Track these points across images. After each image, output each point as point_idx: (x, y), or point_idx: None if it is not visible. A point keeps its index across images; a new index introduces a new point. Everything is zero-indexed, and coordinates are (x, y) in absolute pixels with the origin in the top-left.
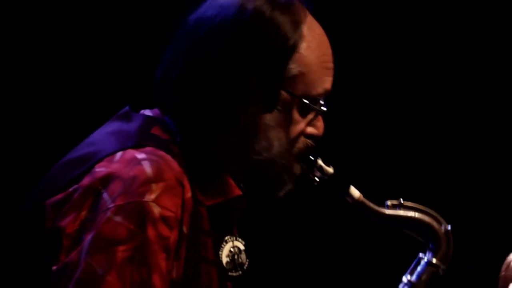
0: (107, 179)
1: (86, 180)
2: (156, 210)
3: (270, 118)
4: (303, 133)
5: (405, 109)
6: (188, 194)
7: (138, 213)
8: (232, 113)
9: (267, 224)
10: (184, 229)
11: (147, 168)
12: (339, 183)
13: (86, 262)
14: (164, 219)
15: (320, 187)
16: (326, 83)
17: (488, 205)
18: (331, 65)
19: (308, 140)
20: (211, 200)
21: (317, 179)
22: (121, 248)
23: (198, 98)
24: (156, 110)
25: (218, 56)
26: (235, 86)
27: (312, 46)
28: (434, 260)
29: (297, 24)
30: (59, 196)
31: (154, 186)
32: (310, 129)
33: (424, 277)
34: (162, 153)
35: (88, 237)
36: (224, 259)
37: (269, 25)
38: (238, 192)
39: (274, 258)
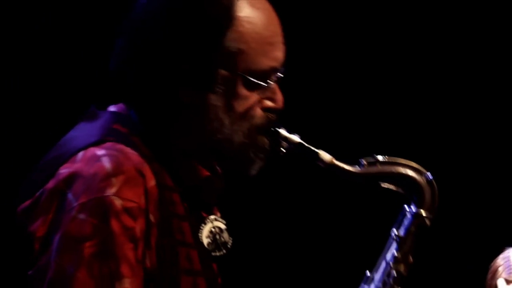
0: (70, 179)
1: (50, 183)
2: (118, 202)
3: (215, 98)
4: (260, 108)
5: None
6: (151, 183)
7: (100, 208)
8: (175, 97)
9: (248, 201)
10: (151, 217)
11: (106, 163)
12: (307, 150)
13: (55, 262)
14: (127, 210)
15: (289, 157)
16: (270, 58)
17: (488, 205)
18: (276, 39)
19: (268, 114)
20: (182, 185)
21: (284, 150)
22: (88, 244)
23: (142, 85)
24: (121, 105)
25: (152, 41)
26: (172, 69)
27: (252, 21)
28: (419, 211)
29: (229, 2)
30: (28, 202)
31: (114, 180)
32: (267, 103)
33: (411, 229)
34: (121, 146)
35: (56, 238)
36: (205, 240)
37: (199, 5)
38: (205, 173)
39: (257, 232)
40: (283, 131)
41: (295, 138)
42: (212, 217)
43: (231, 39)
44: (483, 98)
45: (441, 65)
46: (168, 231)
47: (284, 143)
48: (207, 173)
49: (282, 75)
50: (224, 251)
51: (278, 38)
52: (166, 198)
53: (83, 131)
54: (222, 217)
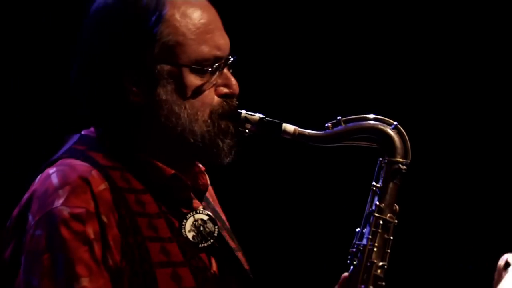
0: (29, 201)
1: (15, 211)
2: (66, 211)
3: (165, 93)
4: (216, 95)
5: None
6: (100, 187)
7: (50, 220)
8: (127, 103)
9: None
10: (104, 218)
11: (54, 179)
12: (270, 125)
13: (24, 281)
14: (74, 216)
15: (254, 136)
16: (211, 45)
17: (487, 206)
18: (212, 27)
19: (225, 99)
20: (152, 186)
21: (248, 130)
22: (45, 256)
23: (94, 99)
24: (91, 127)
25: (93, 55)
26: (116, 76)
27: (185, 14)
28: (393, 159)
29: (159, 1)
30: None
31: (60, 191)
32: (222, 90)
33: (390, 177)
34: (69, 160)
35: (22, 259)
36: (190, 234)
37: (128, 6)
38: (170, 172)
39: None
40: (243, 113)
41: (256, 117)
42: (193, 211)
43: (167, 34)
44: (472, 98)
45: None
46: (132, 229)
47: (247, 124)
48: (172, 172)
49: (233, 61)
50: (212, 240)
51: (215, 26)
52: (127, 200)
53: (50, 158)
54: (205, 208)
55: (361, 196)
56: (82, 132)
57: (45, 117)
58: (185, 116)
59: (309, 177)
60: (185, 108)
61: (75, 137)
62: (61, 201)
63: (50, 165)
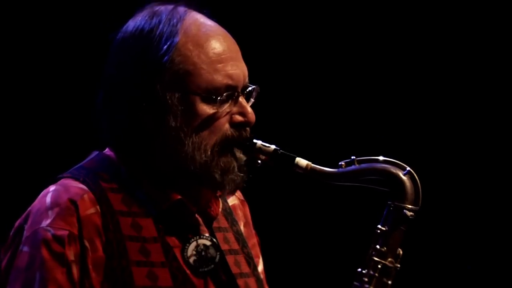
0: (27, 215)
1: (17, 221)
2: (49, 232)
3: (173, 120)
4: (228, 123)
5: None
6: (89, 211)
7: (35, 239)
8: (137, 126)
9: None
10: (86, 242)
11: (48, 198)
12: (283, 157)
13: None
14: (56, 238)
15: (266, 168)
16: (223, 75)
17: (487, 206)
18: (226, 55)
19: (238, 128)
20: (155, 210)
21: (260, 161)
22: (25, 273)
23: (109, 124)
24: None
25: (112, 80)
26: (128, 100)
27: (197, 44)
28: (402, 204)
29: (172, 29)
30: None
31: (50, 212)
32: (236, 118)
33: (397, 223)
34: (67, 181)
35: (11, 271)
36: (191, 259)
37: (144, 34)
38: (176, 197)
39: None
40: (258, 144)
41: (270, 148)
42: (196, 236)
43: (178, 62)
44: (467, 99)
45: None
46: (118, 253)
47: (261, 155)
48: (177, 197)
49: (254, 92)
50: (212, 265)
51: (229, 56)
52: (120, 223)
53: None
54: (211, 234)
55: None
56: (104, 151)
57: (44, 117)
58: (189, 143)
59: (319, 211)
60: (191, 136)
61: (93, 154)
62: (48, 221)
63: (55, 182)
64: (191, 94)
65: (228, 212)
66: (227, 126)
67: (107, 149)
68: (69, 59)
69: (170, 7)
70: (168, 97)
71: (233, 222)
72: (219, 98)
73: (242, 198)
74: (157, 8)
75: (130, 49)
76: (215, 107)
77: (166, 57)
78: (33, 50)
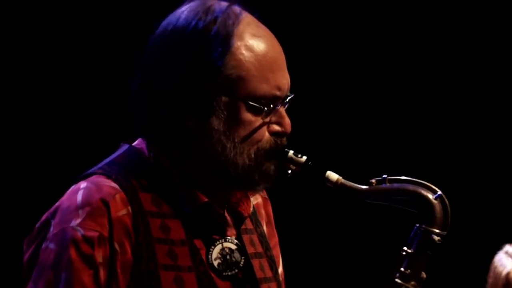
0: (55, 210)
1: (44, 215)
2: (79, 233)
3: (217, 123)
4: (267, 132)
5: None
6: (121, 212)
7: (63, 238)
8: (181, 125)
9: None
10: (116, 245)
11: (79, 196)
12: (314, 170)
13: None
14: (86, 239)
15: (296, 179)
16: (272, 85)
17: (487, 206)
18: (276, 66)
19: (275, 138)
20: (183, 211)
21: (290, 172)
22: (51, 271)
23: (151, 117)
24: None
25: (156, 72)
26: (176, 99)
27: (252, 49)
28: (430, 228)
29: (228, 31)
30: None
31: (80, 211)
32: (274, 128)
33: (423, 246)
34: (100, 179)
35: (35, 267)
36: (215, 262)
37: (197, 34)
38: (204, 199)
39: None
40: (290, 153)
41: (302, 159)
42: (222, 239)
43: (231, 67)
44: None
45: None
46: (147, 256)
47: (292, 165)
48: (205, 200)
49: (290, 101)
50: (236, 270)
51: (279, 65)
52: (150, 225)
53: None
54: (238, 239)
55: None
56: (134, 144)
57: (44, 117)
58: (231, 148)
59: (345, 227)
60: (233, 141)
61: (124, 148)
62: (78, 221)
63: (86, 177)
64: (238, 101)
65: (253, 213)
66: (267, 135)
67: (137, 141)
68: (77, 56)
69: (224, 4)
70: (216, 100)
71: (257, 223)
72: (265, 109)
73: (265, 195)
74: (210, 3)
75: (183, 44)
76: (258, 117)
77: (220, 61)
78: (40, 45)
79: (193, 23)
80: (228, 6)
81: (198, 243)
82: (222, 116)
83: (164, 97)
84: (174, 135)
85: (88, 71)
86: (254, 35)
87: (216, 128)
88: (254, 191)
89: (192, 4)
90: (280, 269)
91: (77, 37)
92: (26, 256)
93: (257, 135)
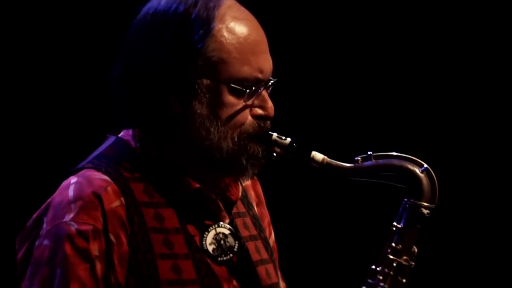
0: (47, 207)
1: (36, 213)
2: (73, 227)
3: (200, 107)
4: (250, 115)
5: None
6: (113, 204)
7: (57, 234)
8: (164, 110)
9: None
10: (111, 237)
11: (71, 191)
12: (299, 151)
13: (26, 286)
14: (80, 233)
15: (281, 160)
16: (254, 67)
17: (487, 206)
18: (258, 49)
19: (258, 121)
20: (175, 199)
21: (275, 154)
22: (46, 268)
23: (133, 103)
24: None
25: (137, 60)
26: (157, 83)
27: (233, 32)
28: (418, 202)
29: (209, 13)
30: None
31: (72, 206)
32: (257, 111)
33: (412, 221)
34: (90, 172)
35: (30, 264)
36: (210, 247)
37: (178, 16)
38: (195, 186)
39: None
40: (274, 136)
41: (286, 141)
42: (215, 224)
43: (212, 49)
44: (481, 98)
45: (435, 64)
46: (143, 246)
47: (276, 148)
48: (196, 185)
49: (273, 83)
50: (231, 254)
51: (261, 48)
52: (144, 215)
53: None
54: (231, 223)
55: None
56: (120, 135)
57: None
58: (215, 132)
59: (332, 206)
60: (217, 124)
61: (111, 140)
62: (71, 216)
63: (75, 172)
64: (220, 83)
65: (244, 196)
66: (249, 118)
67: (122, 133)
68: (67, 52)
69: None
70: (197, 83)
71: (249, 206)
72: (247, 91)
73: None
74: None
75: (164, 28)
76: (241, 99)
77: (202, 43)
78: (32, 42)
79: (174, 6)
80: None
81: (192, 229)
82: (204, 99)
83: (147, 83)
84: (158, 122)
85: (76, 66)
86: (236, 18)
87: (199, 111)
88: (243, 176)
89: None
90: (272, 237)
91: (72, 35)
92: (20, 254)
93: (239, 118)
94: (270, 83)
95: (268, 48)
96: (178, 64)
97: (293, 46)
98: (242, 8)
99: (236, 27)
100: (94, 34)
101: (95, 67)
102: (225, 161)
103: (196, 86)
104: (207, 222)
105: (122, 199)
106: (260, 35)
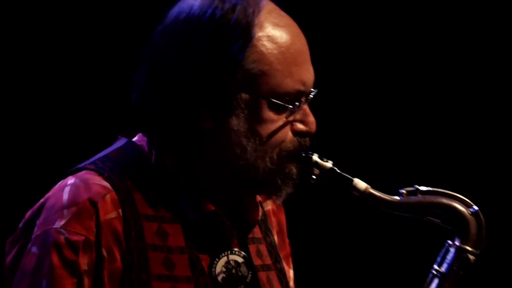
0: (40, 208)
1: (28, 213)
2: (63, 236)
3: (237, 123)
4: (290, 131)
5: (403, 101)
6: (110, 215)
7: (45, 241)
8: (196, 126)
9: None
10: (103, 251)
11: (65, 194)
12: (340, 177)
13: None
14: (70, 243)
15: (320, 185)
16: (296, 79)
17: (487, 206)
18: (301, 59)
19: (299, 138)
20: (185, 218)
21: (315, 177)
22: (31, 278)
23: (162, 115)
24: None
25: (169, 70)
26: (191, 97)
27: (274, 41)
28: (463, 246)
29: (249, 20)
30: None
31: (65, 212)
32: (298, 126)
33: (455, 265)
34: (90, 175)
35: (17, 271)
36: (220, 275)
37: (215, 27)
38: (210, 207)
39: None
40: (315, 157)
41: (328, 164)
42: (228, 250)
43: (252, 60)
44: None
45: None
46: (138, 265)
47: (316, 169)
48: (211, 208)
49: (314, 97)
50: (242, 286)
51: (304, 58)
52: (144, 230)
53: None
54: (243, 249)
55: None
56: (134, 139)
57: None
58: (252, 150)
59: (368, 237)
60: (254, 142)
61: (121, 142)
62: (62, 222)
63: (74, 172)
64: (260, 98)
65: (263, 220)
66: (290, 134)
67: (137, 137)
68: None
69: None
70: (236, 98)
71: (267, 232)
72: (290, 106)
73: (279, 202)
74: None
75: (198, 35)
76: (282, 115)
77: (241, 55)
78: (35, 42)
79: (209, 11)
80: None
81: (199, 251)
82: (242, 115)
83: (177, 94)
84: (185, 136)
85: (80, 66)
86: (277, 25)
87: (235, 128)
88: (277, 196)
89: None
90: (291, 283)
91: (74, 35)
92: (9, 258)
93: (280, 135)
94: (311, 95)
95: (309, 57)
96: (214, 75)
97: (332, 58)
98: (283, 13)
99: (278, 35)
100: (94, 34)
101: (97, 66)
102: (259, 181)
103: (234, 101)
104: (220, 247)
105: (120, 210)
106: (302, 43)
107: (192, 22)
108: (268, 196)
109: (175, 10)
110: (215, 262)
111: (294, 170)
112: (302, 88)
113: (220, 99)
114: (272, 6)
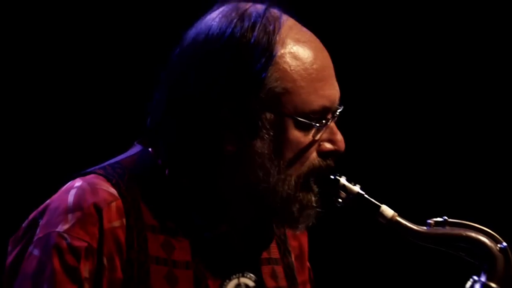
0: (44, 209)
1: (32, 214)
2: (65, 241)
3: (261, 145)
4: (316, 151)
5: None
6: (114, 223)
7: (47, 244)
8: (214, 146)
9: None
10: (104, 259)
11: (70, 197)
12: (367, 203)
13: None
14: (72, 249)
15: (346, 209)
16: (321, 95)
17: (487, 206)
18: (325, 74)
19: (326, 159)
20: (195, 233)
21: (341, 200)
22: (32, 281)
23: (180, 132)
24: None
25: (190, 90)
26: (210, 116)
27: (297, 57)
28: (490, 283)
29: (270, 37)
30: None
31: (70, 216)
32: (325, 146)
33: None
34: (98, 180)
35: (19, 273)
36: None
37: (236, 45)
38: (224, 228)
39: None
40: (342, 180)
41: (355, 188)
42: (239, 273)
43: (275, 79)
44: None
45: None
46: (138, 277)
47: (343, 192)
48: (223, 229)
49: (340, 113)
50: None
51: (328, 73)
52: (148, 241)
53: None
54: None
55: None
56: (150, 148)
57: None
58: (275, 174)
59: (389, 264)
60: (278, 164)
61: (136, 149)
62: (65, 226)
63: (83, 175)
64: (285, 117)
65: (282, 240)
66: (315, 155)
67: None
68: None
69: (261, 7)
70: (261, 118)
71: (285, 253)
72: (316, 125)
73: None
74: (245, 6)
75: (218, 56)
76: (308, 134)
77: (264, 73)
78: (41, 45)
79: (229, 30)
80: (266, 9)
81: (207, 271)
82: (267, 136)
83: (199, 116)
84: (205, 159)
85: (86, 69)
86: (299, 41)
87: (260, 151)
88: (293, 226)
89: (223, 9)
90: None
91: (77, 37)
92: (10, 258)
93: (306, 156)
94: (337, 112)
95: (334, 73)
96: (237, 95)
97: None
98: (304, 29)
99: (300, 52)
100: (94, 34)
101: (101, 68)
102: (277, 206)
103: (259, 122)
104: (230, 268)
105: (124, 220)
106: (326, 58)
107: (211, 42)
108: (283, 225)
109: (193, 32)
110: (225, 283)
111: (313, 198)
112: (327, 104)
113: (244, 120)
114: (292, 22)
